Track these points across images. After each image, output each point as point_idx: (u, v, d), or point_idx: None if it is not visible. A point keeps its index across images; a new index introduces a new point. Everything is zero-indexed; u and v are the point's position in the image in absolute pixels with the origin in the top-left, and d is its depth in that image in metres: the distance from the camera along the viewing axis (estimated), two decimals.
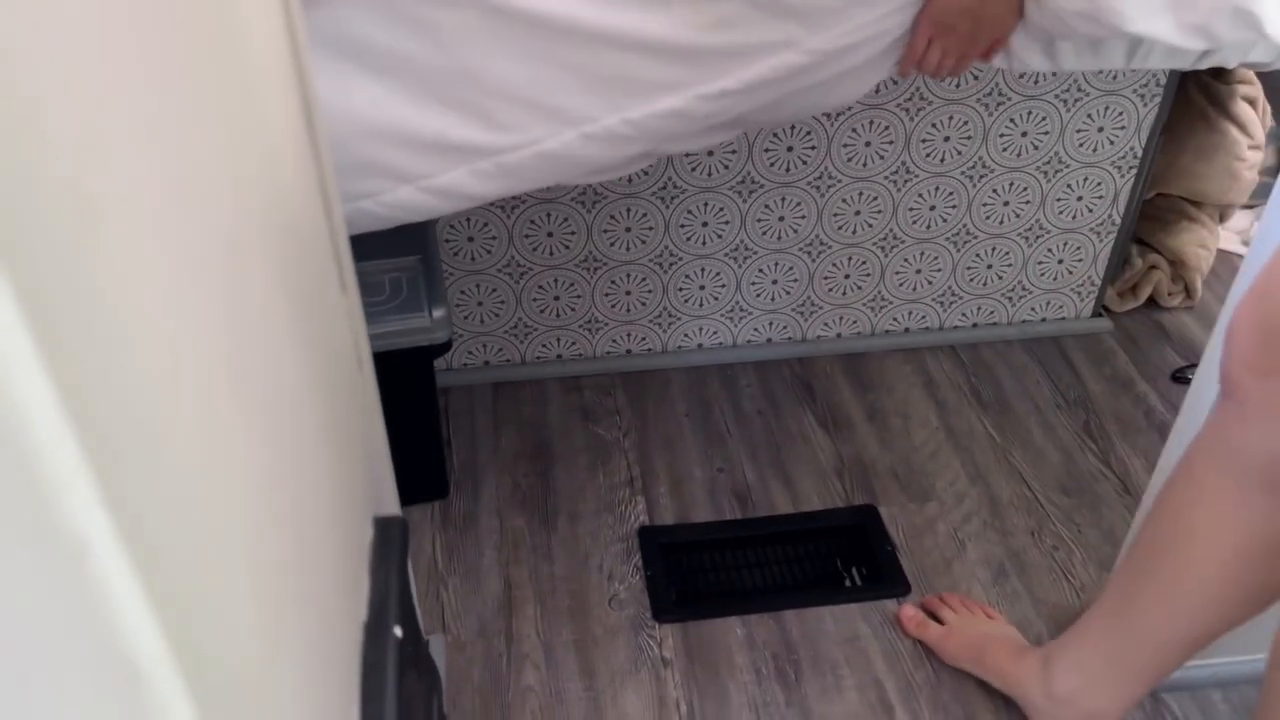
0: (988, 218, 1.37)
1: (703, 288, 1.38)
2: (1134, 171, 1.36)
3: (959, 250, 1.40)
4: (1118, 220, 1.41)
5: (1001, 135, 1.29)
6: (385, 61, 0.79)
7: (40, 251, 0.24)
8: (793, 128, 1.25)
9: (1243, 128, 1.45)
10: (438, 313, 1.07)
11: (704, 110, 0.84)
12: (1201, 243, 1.53)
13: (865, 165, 1.29)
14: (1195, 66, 0.95)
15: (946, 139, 1.29)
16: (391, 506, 0.86)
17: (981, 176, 1.33)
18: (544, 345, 1.40)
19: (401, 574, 0.76)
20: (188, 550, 0.34)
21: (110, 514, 0.25)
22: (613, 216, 1.29)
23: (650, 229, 1.31)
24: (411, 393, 1.13)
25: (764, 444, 1.32)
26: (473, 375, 1.40)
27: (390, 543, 0.75)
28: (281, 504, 0.51)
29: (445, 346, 1.08)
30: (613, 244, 1.32)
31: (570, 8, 0.78)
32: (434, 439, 1.20)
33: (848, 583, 1.15)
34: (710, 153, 1.26)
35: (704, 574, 1.16)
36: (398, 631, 0.69)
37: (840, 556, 1.18)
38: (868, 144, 1.27)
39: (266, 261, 0.55)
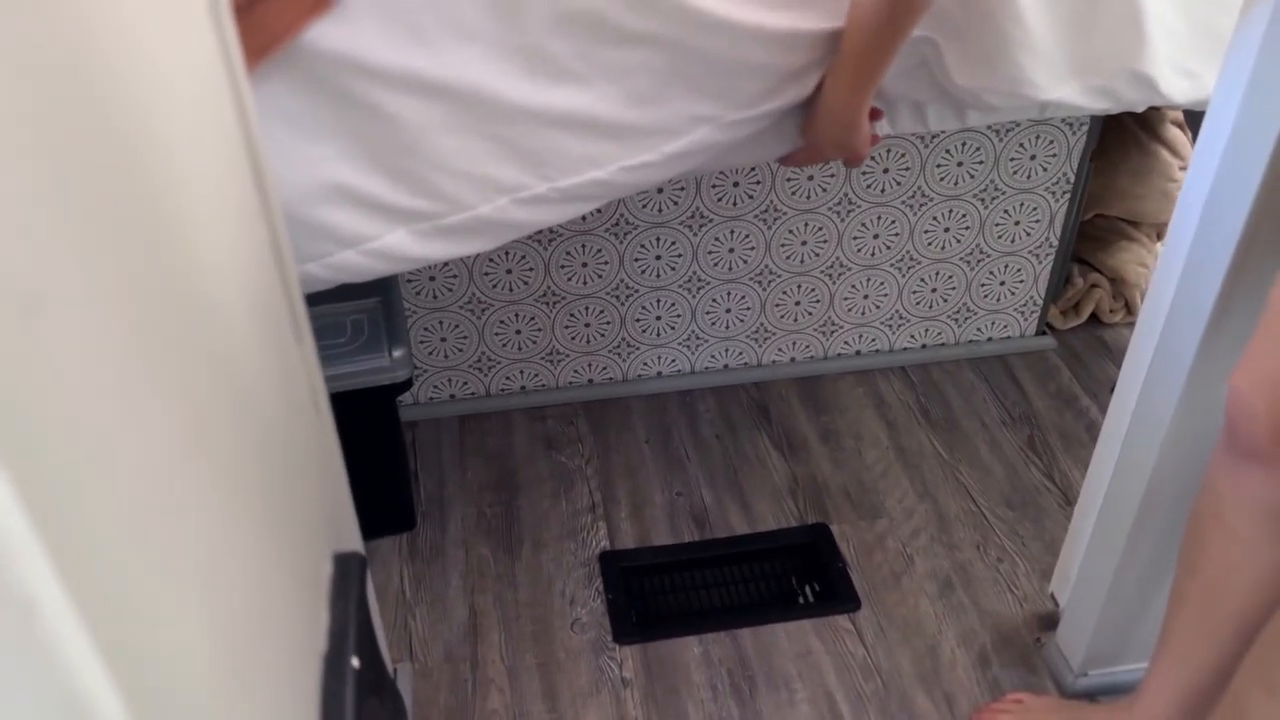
0: (930, 244, 1.43)
1: (659, 318, 1.43)
2: (1068, 196, 1.42)
3: (904, 275, 1.46)
4: (1055, 242, 1.47)
5: (938, 166, 1.35)
6: (325, 129, 0.84)
7: None
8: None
9: (1174, 150, 1.52)
10: (398, 352, 1.11)
11: (627, 180, 0.89)
12: (1140, 260, 1.59)
13: (809, 198, 1.35)
14: (1099, 113, 1.02)
15: (885, 170, 1.34)
16: (352, 542, 0.91)
17: (921, 205, 1.39)
18: (508, 378, 1.45)
19: (361, 606, 0.80)
20: (139, 596, 0.38)
21: (55, 566, 0.30)
22: (569, 253, 1.34)
23: (606, 263, 1.36)
24: (376, 429, 1.17)
25: (721, 467, 1.37)
26: (439, 409, 1.44)
27: (349, 577, 0.80)
28: (239, 545, 0.55)
29: (406, 384, 1.13)
30: (570, 279, 1.37)
31: (497, 85, 0.83)
32: (400, 473, 1.24)
33: (801, 600, 1.20)
34: (660, 190, 1.31)
35: (663, 596, 1.21)
36: (355, 662, 0.73)
37: (794, 574, 1.23)
38: (810, 178, 1.33)
39: (221, 320, 0.60)
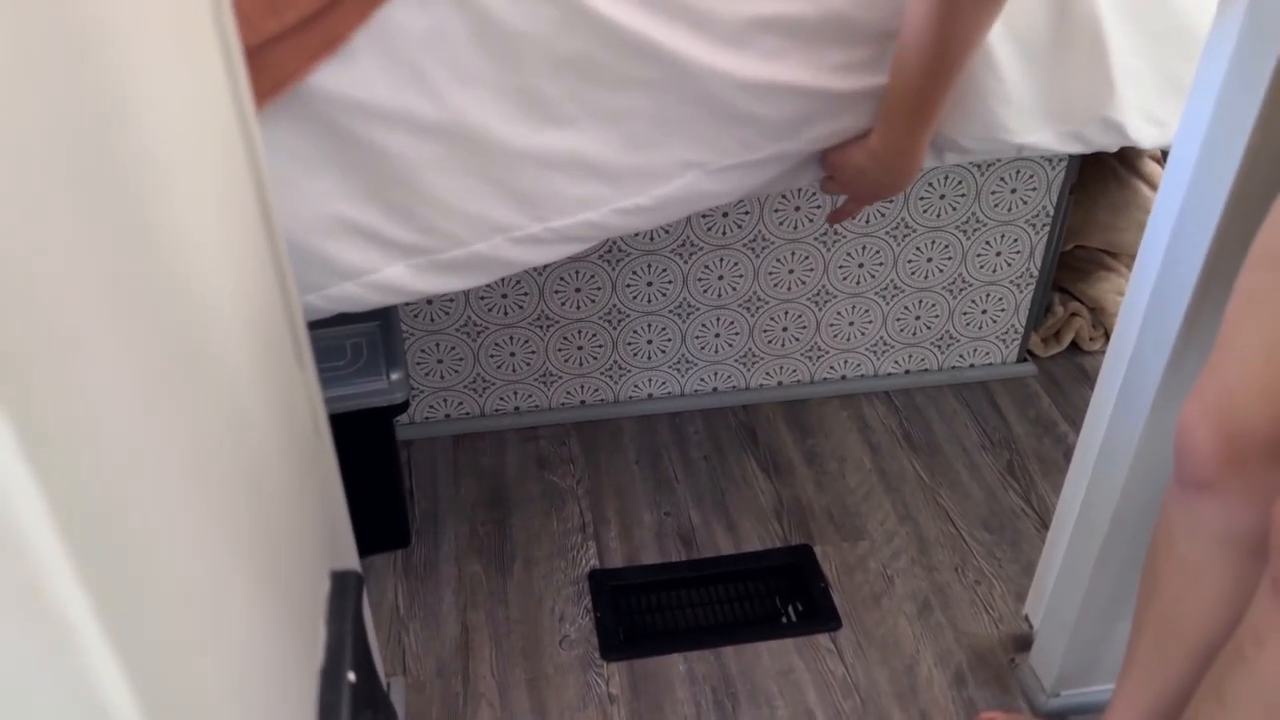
0: (913, 273, 1.47)
1: (650, 342, 1.47)
2: (1047, 228, 1.46)
3: (888, 303, 1.50)
4: (1035, 273, 1.51)
5: (921, 198, 1.40)
6: (328, 166, 0.88)
7: (27, 374, 0.33)
8: None
9: (1151, 184, 1.56)
10: (395, 375, 1.15)
11: (619, 222, 0.93)
12: (1119, 290, 1.63)
13: (796, 228, 1.39)
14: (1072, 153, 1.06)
15: None
16: (349, 560, 0.94)
17: (905, 236, 1.43)
18: (501, 398, 1.48)
19: (357, 622, 0.84)
20: (153, 609, 0.42)
21: (88, 591, 0.33)
22: (562, 278, 1.38)
23: (598, 289, 1.40)
24: (373, 449, 1.21)
25: (709, 488, 1.41)
26: (434, 428, 1.48)
27: (346, 594, 0.83)
28: (242, 563, 0.59)
29: (403, 406, 1.17)
30: (564, 303, 1.41)
31: (495, 127, 0.88)
32: (395, 492, 1.28)
33: (784, 619, 1.24)
34: None
35: (650, 614, 1.24)
36: (351, 676, 0.77)
37: (777, 594, 1.27)
38: (797, 208, 1.37)
39: (227, 347, 0.64)
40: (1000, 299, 1.53)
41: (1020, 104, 0.94)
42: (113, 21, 0.47)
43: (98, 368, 0.40)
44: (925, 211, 1.41)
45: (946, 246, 1.45)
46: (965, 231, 1.44)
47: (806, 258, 1.43)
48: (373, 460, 1.22)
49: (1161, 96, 0.97)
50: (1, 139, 0.34)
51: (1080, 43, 0.92)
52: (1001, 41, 0.92)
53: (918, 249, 1.45)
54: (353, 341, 1.18)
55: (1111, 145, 0.98)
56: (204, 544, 0.51)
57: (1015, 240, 1.47)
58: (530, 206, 0.93)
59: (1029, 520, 1.36)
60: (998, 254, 1.48)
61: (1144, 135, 0.97)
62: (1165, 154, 1.54)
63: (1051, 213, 1.45)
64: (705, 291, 1.44)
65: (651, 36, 0.87)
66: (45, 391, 0.34)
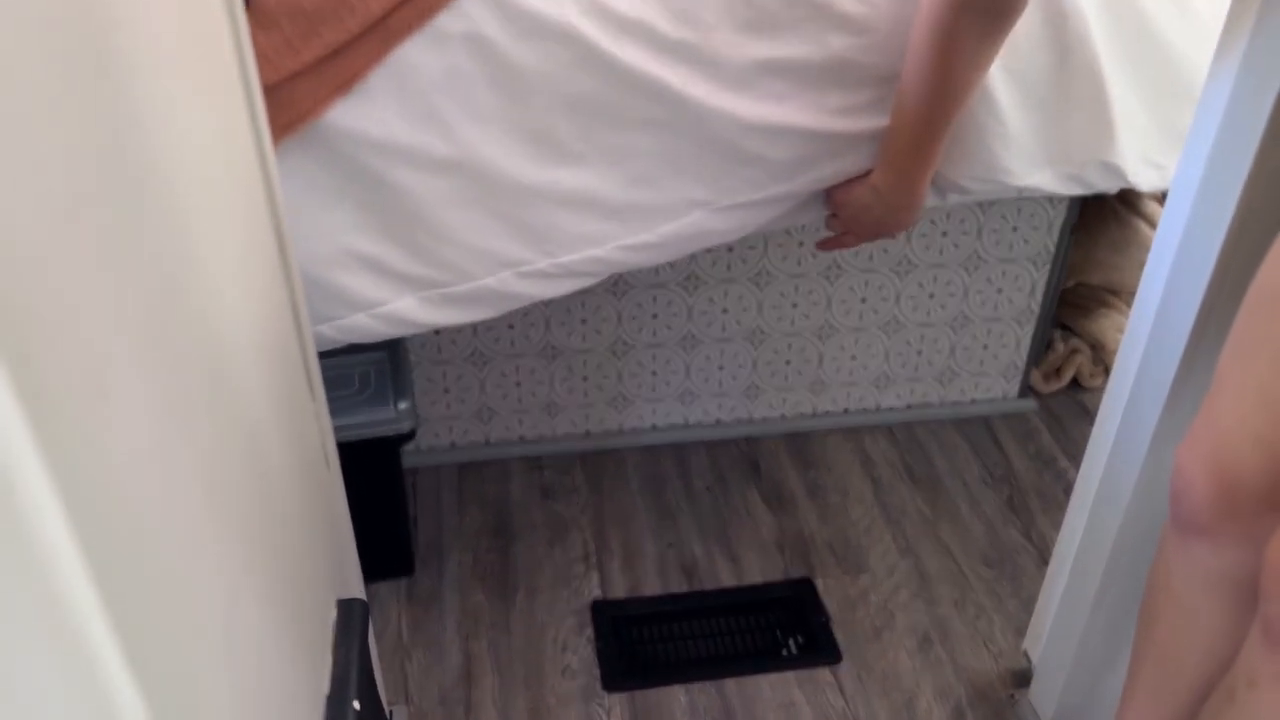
0: (915, 309, 1.49)
1: (654, 374, 1.49)
2: (1048, 266, 1.48)
3: (890, 338, 1.51)
4: (1036, 310, 1.53)
5: (923, 235, 1.42)
6: (343, 200, 0.90)
7: (58, 406, 0.34)
8: None
9: (1152, 223, 1.58)
10: (402, 405, 1.16)
11: (625, 259, 0.95)
12: (1119, 327, 1.65)
13: (800, 263, 1.41)
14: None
15: None
16: (355, 589, 0.95)
17: (907, 272, 1.45)
18: (507, 427, 1.50)
19: (362, 651, 0.85)
20: (172, 638, 0.43)
21: (109, 614, 0.35)
22: (568, 310, 1.40)
23: (604, 321, 1.42)
24: (379, 477, 1.22)
25: (712, 520, 1.42)
26: (439, 456, 1.49)
27: (352, 623, 0.84)
28: (256, 591, 0.60)
29: (410, 435, 1.18)
30: (570, 334, 1.42)
31: (505, 164, 0.90)
32: (400, 519, 1.29)
33: (784, 652, 1.24)
34: None
35: (652, 645, 1.25)
36: (356, 705, 0.78)
37: (779, 627, 1.27)
38: (800, 244, 1.39)
39: (242, 379, 0.65)
40: (1001, 335, 1.54)
41: (1021, 147, 0.96)
42: (140, 58, 0.49)
43: (125, 396, 0.42)
44: (927, 248, 1.43)
45: (948, 283, 1.47)
46: (967, 268, 1.46)
47: (810, 292, 1.44)
48: (378, 488, 1.23)
49: (1159, 141, 0.99)
50: (39, 170, 0.35)
51: (1080, 88, 0.94)
52: (1003, 86, 0.94)
53: (920, 285, 1.47)
54: (361, 371, 1.20)
55: (1111, 188, 1.00)
56: (221, 572, 0.53)
57: (1017, 278, 1.49)
58: (539, 242, 0.95)
59: (1029, 555, 1.37)
60: (999, 291, 1.49)
61: (1142, 179, 0.99)
62: (1165, 195, 1.56)
63: (1053, 251, 1.46)
64: (709, 325, 1.45)
65: (659, 78, 0.89)
66: (75, 422, 0.35)
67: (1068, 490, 1.47)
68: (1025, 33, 0.92)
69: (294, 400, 0.81)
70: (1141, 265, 1.60)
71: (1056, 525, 1.41)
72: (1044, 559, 1.36)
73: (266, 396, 0.70)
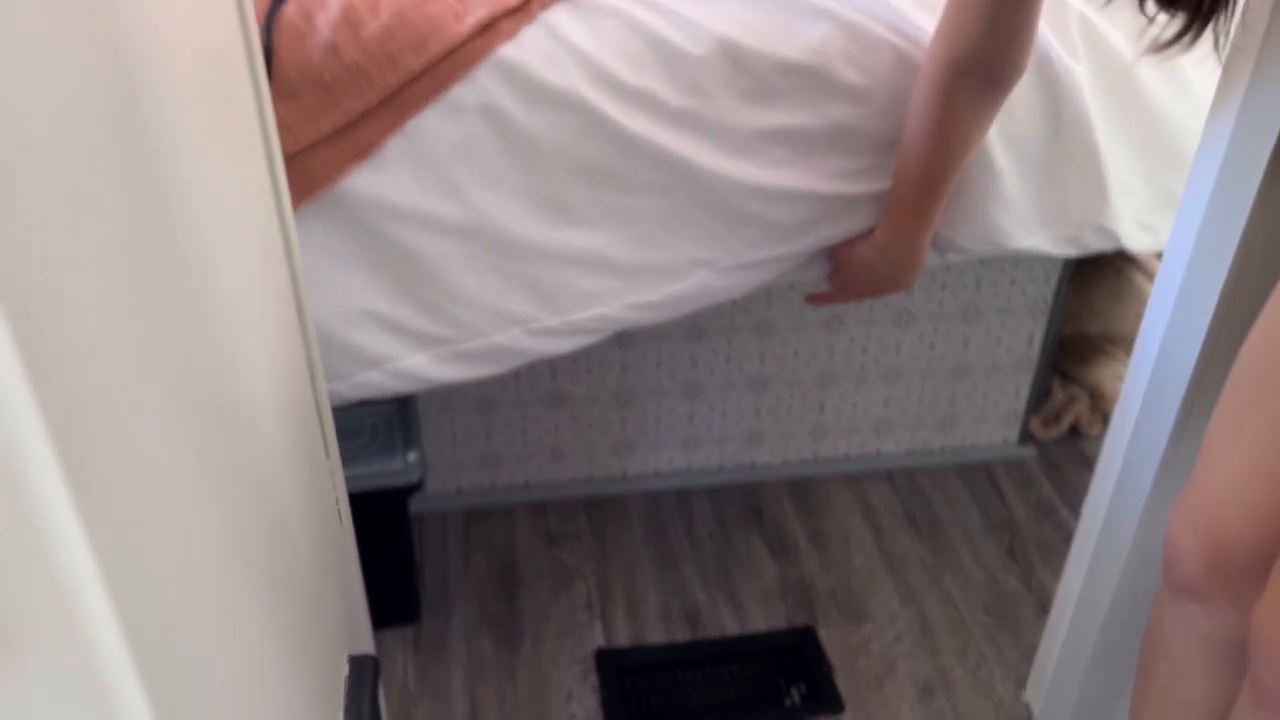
0: (915, 358, 1.51)
1: (658, 420, 1.51)
2: (1046, 317, 1.50)
3: (891, 386, 1.53)
4: (1035, 359, 1.55)
5: (922, 287, 1.44)
6: (358, 262, 0.93)
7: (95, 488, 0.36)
8: None
9: (1148, 274, 1.61)
10: (411, 456, 1.18)
11: (632, 317, 0.98)
12: (1117, 375, 1.67)
13: (801, 314, 1.43)
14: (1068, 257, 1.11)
15: None
16: (365, 643, 0.97)
17: (907, 323, 1.47)
18: (512, 473, 1.51)
19: (373, 706, 0.86)
20: (201, 698, 0.45)
21: (137, 668, 0.36)
22: (574, 359, 1.42)
23: (609, 369, 1.44)
24: (386, 527, 1.24)
25: (714, 567, 1.43)
26: (445, 503, 1.51)
27: (363, 679, 0.86)
28: (275, 648, 0.62)
29: (418, 485, 1.20)
30: (575, 383, 1.44)
31: (516, 227, 0.92)
32: (407, 568, 1.30)
33: (788, 701, 1.25)
34: None
35: (656, 694, 1.26)
36: None
37: (781, 676, 1.28)
38: (803, 296, 1.41)
39: (262, 438, 0.67)
40: (1001, 383, 1.56)
41: (1018, 211, 0.99)
42: (173, 130, 0.52)
43: (156, 454, 0.44)
44: (927, 300, 1.46)
45: (948, 333, 1.49)
46: (966, 319, 1.48)
47: (812, 342, 1.47)
48: (386, 537, 1.24)
49: (1152, 205, 1.01)
50: (86, 239, 0.38)
51: (1075, 156, 0.97)
52: (1001, 153, 0.97)
53: (920, 335, 1.49)
54: (370, 421, 1.22)
55: (1107, 249, 1.03)
56: (244, 630, 0.55)
57: (1015, 328, 1.51)
58: (547, 301, 0.97)
59: (1029, 604, 1.38)
60: (998, 341, 1.52)
61: (1137, 242, 1.01)
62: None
63: (1050, 301, 1.49)
64: (713, 373, 1.47)
65: (666, 145, 0.92)
66: (111, 481, 0.37)
67: (1067, 538, 1.48)
68: (1021, 100, 0.95)
69: (311, 459, 0.83)
70: (1138, 315, 1.63)
71: (1056, 574, 1.42)
72: (1044, 608, 1.37)
73: (284, 455, 0.72)
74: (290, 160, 0.86)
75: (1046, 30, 0.94)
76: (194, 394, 0.51)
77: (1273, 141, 0.77)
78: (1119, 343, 1.68)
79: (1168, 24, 0.65)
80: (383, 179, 0.90)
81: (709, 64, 0.90)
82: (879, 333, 1.47)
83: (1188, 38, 0.66)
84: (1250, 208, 0.87)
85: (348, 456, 1.18)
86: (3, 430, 0.30)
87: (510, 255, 0.94)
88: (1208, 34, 0.68)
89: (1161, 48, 0.67)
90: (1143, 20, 0.70)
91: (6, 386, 0.29)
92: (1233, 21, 0.69)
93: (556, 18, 0.89)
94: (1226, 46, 0.71)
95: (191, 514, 0.48)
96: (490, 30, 0.87)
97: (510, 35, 0.88)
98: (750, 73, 0.91)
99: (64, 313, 0.35)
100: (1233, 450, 0.71)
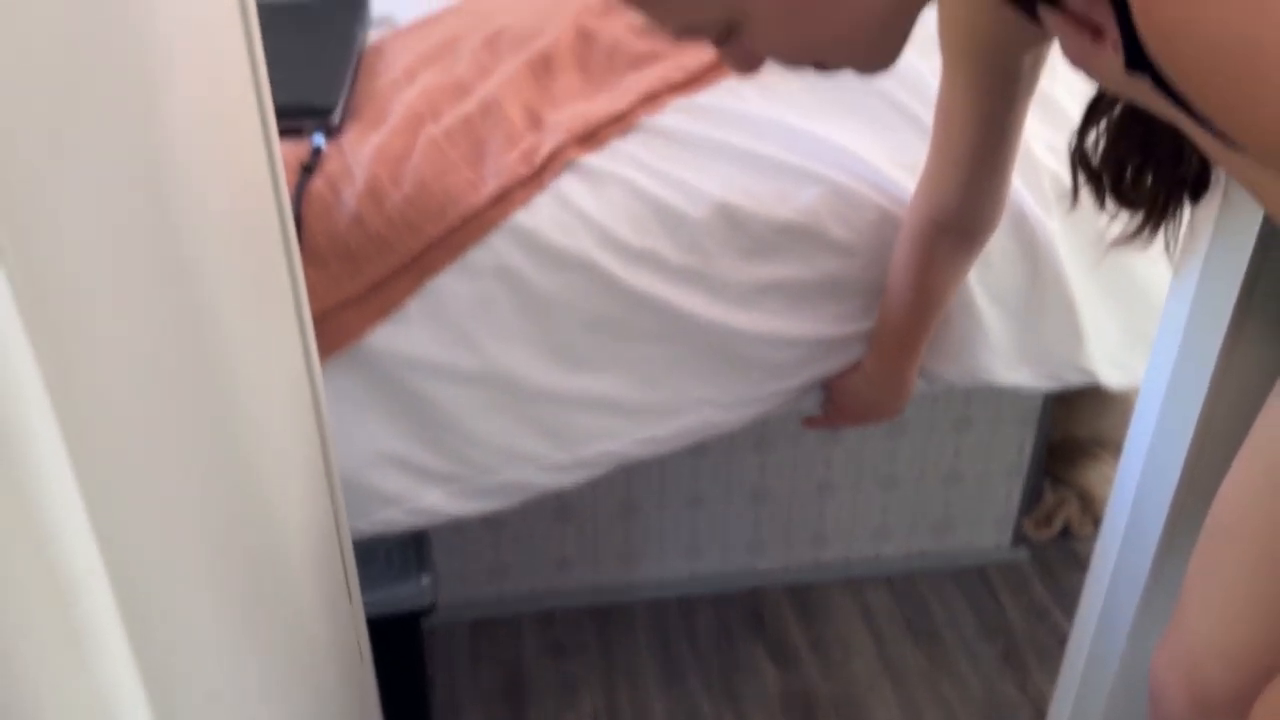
0: (910, 467, 1.56)
1: (662, 531, 1.55)
2: (1035, 425, 1.56)
3: (887, 494, 1.58)
4: (1025, 465, 1.60)
5: (915, 400, 1.49)
6: (380, 410, 0.98)
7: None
8: None
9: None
10: (425, 580, 1.22)
11: (638, 451, 1.03)
12: (1105, 478, 1.72)
13: (798, 427, 1.49)
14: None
15: None
16: None
17: (901, 434, 1.52)
18: (518, 584, 1.55)
19: None
20: None
21: None
22: None
23: (614, 483, 1.49)
24: (399, 647, 1.27)
25: (718, 676, 1.46)
26: (453, 614, 1.54)
27: None
28: None
29: (431, 608, 1.24)
30: (581, 496, 1.49)
31: (529, 375, 0.98)
32: (419, 687, 1.33)
33: None
34: None
35: None
36: None
37: None
38: (800, 412, 1.47)
39: (292, 585, 0.72)
40: (993, 489, 1.61)
41: (1000, 351, 1.05)
42: (216, 297, 0.58)
43: (196, 598, 0.48)
44: (919, 412, 1.51)
45: (940, 443, 1.55)
46: (958, 430, 1.54)
47: (809, 454, 1.52)
48: (399, 658, 1.28)
49: (1127, 347, 1.08)
50: (146, 403, 0.43)
51: (1051, 302, 1.04)
52: (982, 299, 1.03)
53: (913, 445, 1.54)
54: (384, 548, 1.26)
55: (1086, 384, 1.09)
56: None
57: (1005, 436, 1.56)
58: (558, 439, 1.03)
59: (1026, 710, 1.41)
60: (989, 449, 1.57)
61: (1113, 380, 1.07)
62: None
63: (1038, 411, 1.55)
64: (714, 485, 1.52)
65: (669, 299, 0.98)
66: (159, 621, 0.42)
67: (1061, 641, 1.51)
68: (999, 250, 1.02)
69: (334, 602, 0.88)
70: (1124, 420, 1.68)
71: (1051, 678, 1.45)
72: (1040, 713, 1.40)
73: (311, 600, 0.77)
74: (317, 320, 0.92)
75: (1021, 186, 1.01)
76: (234, 545, 0.56)
77: (1231, 306, 0.83)
78: (1106, 446, 1.74)
79: (1129, 220, 0.72)
80: (403, 334, 0.96)
81: (708, 225, 0.97)
82: (874, 443, 1.53)
83: (1145, 233, 0.72)
84: (1218, 352, 0.93)
85: (362, 582, 1.22)
86: (75, 604, 0.33)
87: (522, 400, 1.00)
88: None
89: (1123, 242, 0.73)
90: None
91: (81, 556, 0.33)
92: (1181, 229, 0.75)
93: (567, 186, 0.96)
94: (1177, 250, 0.77)
95: (226, 663, 0.52)
96: (505, 199, 0.94)
97: (523, 203, 0.94)
98: (747, 232, 0.98)
99: (128, 481, 0.40)
100: (1208, 599, 0.76)
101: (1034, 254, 1.01)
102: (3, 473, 0.29)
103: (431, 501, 1.03)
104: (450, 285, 0.95)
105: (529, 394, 0.99)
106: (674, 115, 1.03)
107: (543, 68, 1.06)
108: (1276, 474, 0.73)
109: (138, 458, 0.43)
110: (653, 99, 1.03)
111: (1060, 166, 1.03)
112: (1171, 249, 0.74)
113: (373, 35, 1.17)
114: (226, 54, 0.66)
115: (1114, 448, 1.74)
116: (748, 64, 0.57)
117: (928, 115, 0.92)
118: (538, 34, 1.10)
